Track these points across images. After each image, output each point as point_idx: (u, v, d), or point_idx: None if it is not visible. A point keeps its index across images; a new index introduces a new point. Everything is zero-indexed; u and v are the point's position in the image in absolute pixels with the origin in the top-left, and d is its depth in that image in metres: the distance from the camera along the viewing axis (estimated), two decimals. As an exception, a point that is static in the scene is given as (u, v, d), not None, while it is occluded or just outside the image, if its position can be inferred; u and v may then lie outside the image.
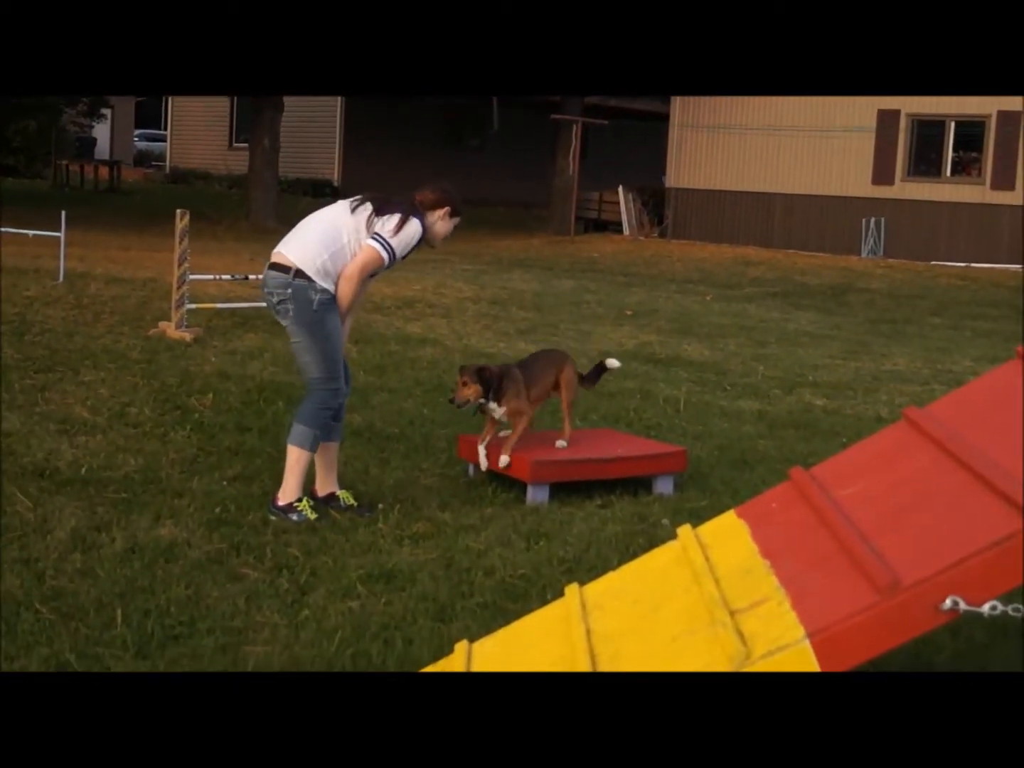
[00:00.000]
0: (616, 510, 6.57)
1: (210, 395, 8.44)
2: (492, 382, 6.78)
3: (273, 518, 6.10)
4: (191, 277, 11.01)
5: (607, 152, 37.54)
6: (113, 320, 11.43)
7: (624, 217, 29.66)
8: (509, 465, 6.73)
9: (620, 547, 5.92)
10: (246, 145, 29.71)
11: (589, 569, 5.42)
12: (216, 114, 41.20)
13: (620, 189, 29.86)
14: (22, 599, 4.88)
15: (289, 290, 6.12)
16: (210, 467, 6.90)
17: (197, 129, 42.60)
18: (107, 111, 41.95)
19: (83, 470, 6.66)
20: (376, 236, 6.22)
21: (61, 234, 14.19)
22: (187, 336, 10.56)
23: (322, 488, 6.46)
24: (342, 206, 6.42)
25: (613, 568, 4.48)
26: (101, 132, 45.46)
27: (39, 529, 5.73)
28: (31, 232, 15.52)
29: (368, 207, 6.34)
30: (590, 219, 30.73)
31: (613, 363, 7.46)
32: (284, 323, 6.24)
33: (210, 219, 23.58)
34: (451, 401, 6.85)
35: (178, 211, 10.87)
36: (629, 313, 15.22)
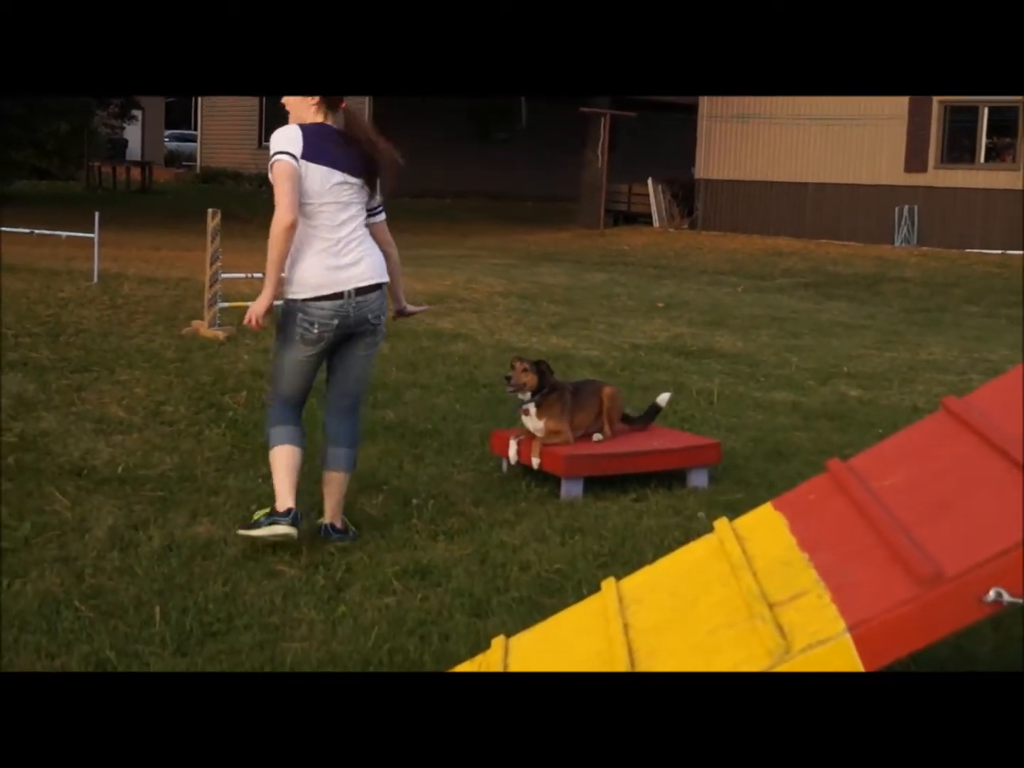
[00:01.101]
0: (651, 504, 6.55)
1: (243, 393, 8.46)
2: (547, 378, 6.84)
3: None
4: (223, 276, 11.03)
5: (636, 144, 37.42)
6: (147, 320, 11.47)
7: (654, 209, 29.60)
8: (540, 465, 6.73)
9: (655, 541, 5.90)
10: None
11: (624, 563, 5.40)
12: (245, 113, 41.33)
13: (649, 181, 29.80)
14: (62, 597, 4.91)
15: (383, 306, 5.87)
16: (245, 464, 6.92)
17: (227, 129, 42.74)
18: (138, 112, 42.06)
19: (120, 469, 6.69)
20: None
21: (95, 235, 14.24)
22: (220, 335, 10.58)
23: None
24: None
25: (648, 562, 4.47)
26: (132, 133, 45.67)
27: (77, 528, 5.76)
28: (64, 234, 15.60)
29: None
30: (620, 212, 30.67)
31: (664, 398, 7.44)
32: (375, 341, 5.90)
33: (241, 218, 23.63)
34: (507, 379, 6.86)
35: (209, 210, 10.89)
36: (660, 305, 15.18)
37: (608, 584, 4.06)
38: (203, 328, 10.76)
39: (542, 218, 31.35)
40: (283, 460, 5.76)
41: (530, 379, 6.81)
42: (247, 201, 29.10)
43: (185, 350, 9.97)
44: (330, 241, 5.65)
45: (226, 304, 11.08)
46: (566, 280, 17.65)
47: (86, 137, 35.86)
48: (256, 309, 5.58)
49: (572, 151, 32.60)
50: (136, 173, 36.22)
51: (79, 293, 13.11)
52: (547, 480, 6.77)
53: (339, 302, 5.61)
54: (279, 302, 5.76)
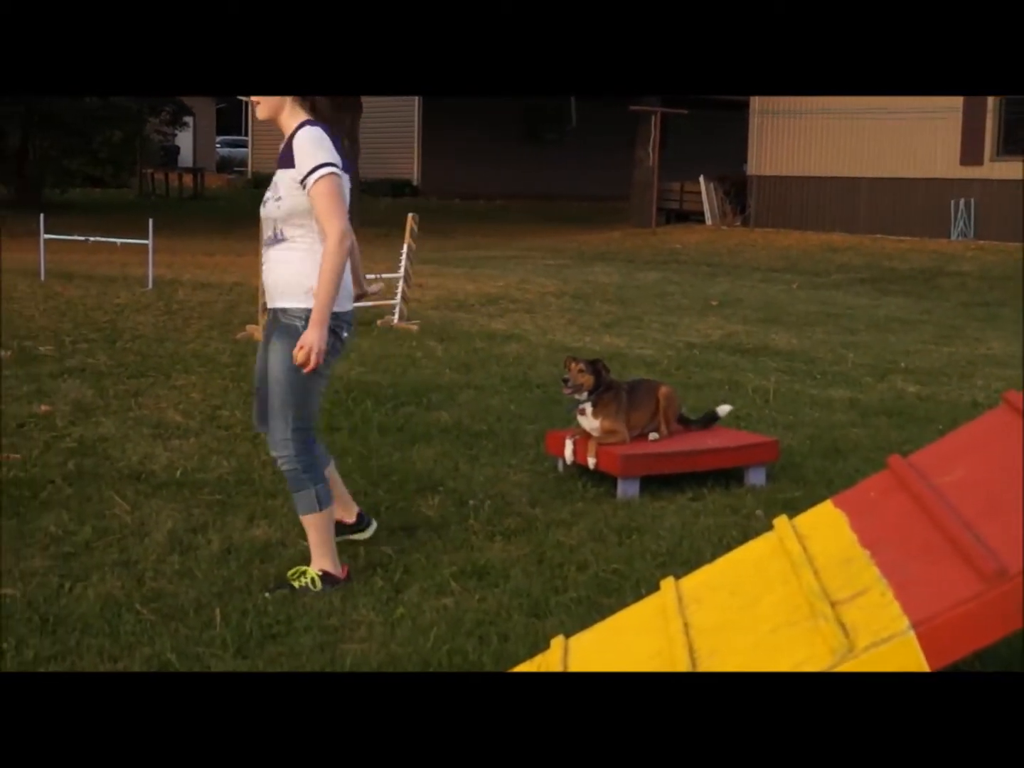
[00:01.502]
0: (708, 502, 6.52)
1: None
2: (603, 377, 6.83)
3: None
4: (277, 279, 11.08)
5: (687, 141, 37.34)
6: (202, 325, 11.55)
7: (706, 207, 29.51)
8: (597, 465, 6.71)
9: (713, 540, 5.87)
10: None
11: (683, 563, 5.38)
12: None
13: (701, 178, 29.71)
14: (123, 601, 4.95)
15: None
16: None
17: (278, 134, 42.82)
18: (189, 119, 42.41)
19: (178, 473, 6.73)
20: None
21: (149, 242, 14.37)
22: (274, 338, 10.62)
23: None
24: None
25: (707, 561, 4.45)
26: (184, 140, 46.07)
27: (137, 532, 5.80)
28: (119, 240, 15.73)
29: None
30: (672, 210, 30.59)
31: (724, 409, 7.41)
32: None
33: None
34: (564, 381, 6.85)
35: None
36: (714, 303, 15.13)
37: (667, 583, 4.05)
38: (257, 332, 10.81)
39: (594, 218, 31.33)
40: (330, 520, 5.31)
41: (586, 379, 6.81)
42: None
43: (240, 354, 10.03)
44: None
45: (280, 308, 11.13)
46: (619, 279, 17.62)
47: (139, 145, 36.23)
48: (318, 346, 4.90)
49: (623, 150, 32.57)
50: (188, 179, 36.54)
51: (135, 299, 13.23)
52: (603, 480, 6.75)
53: (352, 307, 5.35)
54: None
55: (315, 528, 5.22)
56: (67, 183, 32.26)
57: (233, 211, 28.78)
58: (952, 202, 25.42)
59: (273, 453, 5.28)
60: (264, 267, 5.29)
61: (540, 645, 4.34)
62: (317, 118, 5.17)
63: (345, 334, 5.22)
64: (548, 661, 3.92)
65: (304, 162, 5.00)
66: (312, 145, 5.03)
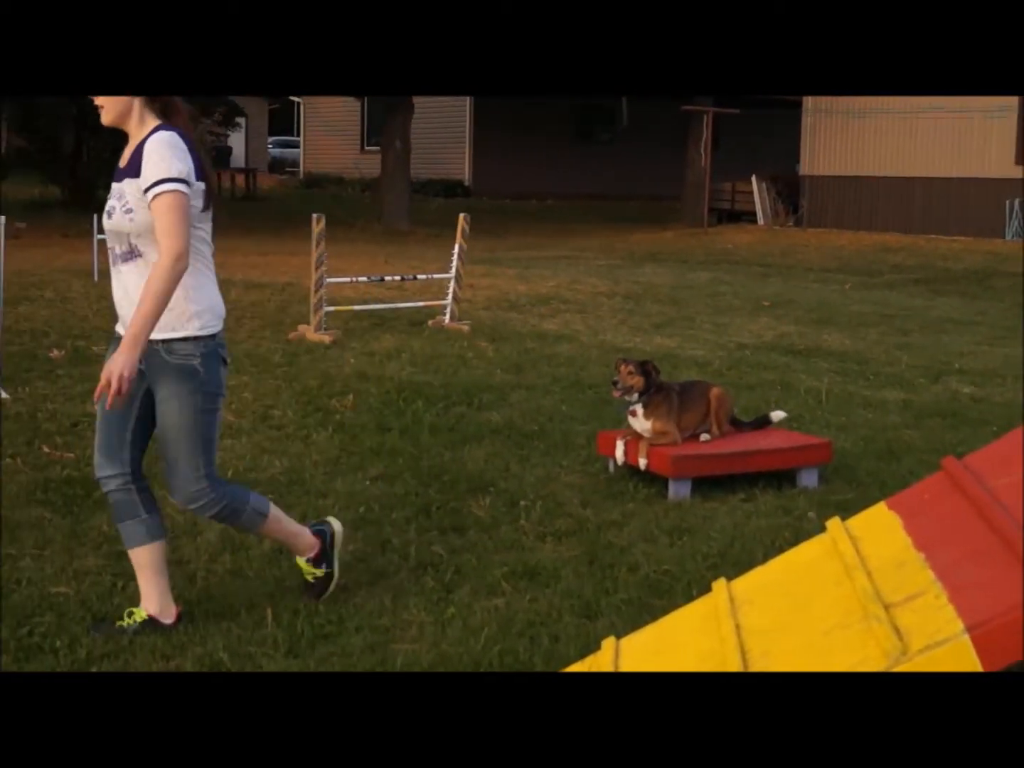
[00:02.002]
0: (760, 504, 6.49)
1: (350, 396, 8.51)
2: (654, 378, 6.82)
3: None
4: (328, 280, 11.14)
5: (739, 141, 37.17)
6: (254, 325, 11.61)
7: (758, 207, 29.38)
8: (648, 466, 6.69)
9: (765, 541, 5.84)
10: (378, 148, 29.99)
11: (734, 564, 5.35)
12: (348, 118, 41.70)
13: (753, 178, 29.59)
14: (175, 600, 4.96)
15: None
16: (353, 467, 6.96)
17: (329, 134, 43.17)
18: (242, 120, 42.63)
19: (230, 472, 6.75)
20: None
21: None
22: (326, 338, 10.68)
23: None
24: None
25: (759, 563, 4.42)
26: (236, 141, 46.30)
27: (190, 531, 5.83)
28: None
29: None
30: (723, 210, 30.48)
31: (778, 415, 7.37)
32: None
33: (344, 222, 23.84)
34: (614, 383, 6.84)
35: (314, 216, 11.00)
36: (766, 304, 15.05)
37: (719, 585, 4.03)
38: (309, 332, 10.86)
39: (645, 218, 31.24)
40: (277, 519, 4.99)
41: (636, 381, 6.79)
42: (350, 205, 29.40)
43: (292, 354, 10.07)
44: (212, 264, 4.77)
45: (332, 308, 11.19)
46: (670, 280, 17.56)
47: (193, 145, 36.36)
48: (124, 371, 4.28)
49: (675, 150, 32.49)
50: (241, 180, 36.70)
51: (188, 299, 13.28)
52: (654, 481, 6.73)
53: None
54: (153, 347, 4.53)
55: (274, 531, 5.01)
56: (119, 184, 32.43)
57: (285, 211, 28.89)
58: (1007, 202, 25.18)
59: (189, 507, 4.79)
60: (115, 284, 4.67)
61: (591, 646, 4.32)
62: (177, 122, 4.61)
63: (226, 359, 4.74)
64: (599, 662, 3.91)
65: (150, 172, 4.45)
66: (161, 154, 4.46)
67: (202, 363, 4.57)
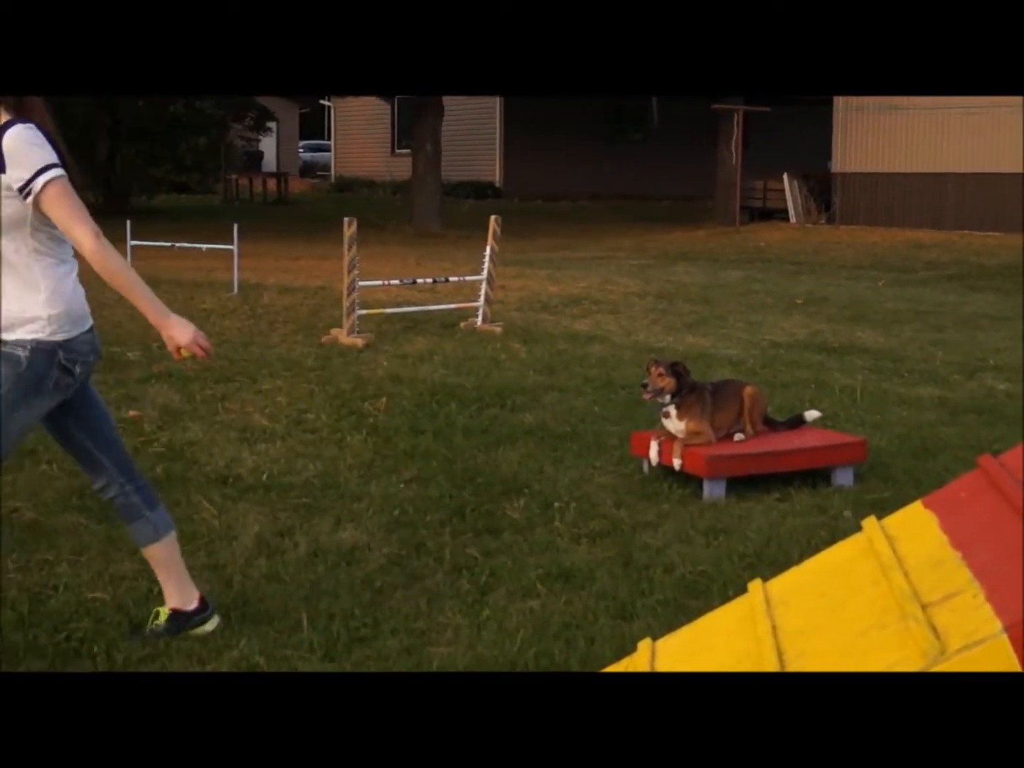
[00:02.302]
0: (795, 503, 6.47)
1: (383, 399, 8.53)
2: (685, 379, 6.81)
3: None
4: (360, 284, 11.16)
5: (770, 139, 37.07)
6: (287, 329, 11.65)
7: (790, 204, 29.29)
8: (682, 467, 6.68)
9: (801, 541, 5.82)
10: (408, 151, 30.05)
11: (770, 564, 5.33)
12: (378, 121, 41.80)
13: (785, 176, 29.49)
14: (212, 604, 4.98)
15: None
16: (387, 470, 6.97)
17: (360, 137, 43.28)
18: (272, 124, 42.79)
19: (264, 476, 6.78)
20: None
21: (234, 247, 14.51)
22: (359, 342, 10.70)
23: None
24: None
25: (795, 563, 4.40)
26: (267, 145, 46.49)
27: (225, 535, 5.85)
28: (204, 246, 15.91)
29: None
30: (755, 208, 30.39)
31: (812, 414, 7.35)
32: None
33: (376, 225, 23.88)
34: (644, 387, 6.83)
35: (345, 219, 11.02)
36: (799, 302, 14.99)
37: (755, 585, 4.01)
38: (342, 336, 10.89)
39: (677, 217, 31.19)
40: None
41: (667, 383, 6.77)
42: (382, 208, 29.46)
43: (325, 358, 10.10)
44: (73, 263, 4.48)
45: (364, 311, 11.21)
46: (703, 279, 17.53)
47: (223, 151, 36.63)
48: (188, 333, 4.54)
49: (706, 148, 32.43)
50: (272, 184, 36.87)
51: (220, 304, 13.37)
52: (689, 481, 6.72)
53: (92, 334, 4.54)
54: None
55: None
56: (153, 190, 32.70)
57: (317, 215, 28.98)
58: (1041, 196, 25.01)
59: None
60: None
61: (627, 648, 4.31)
62: (32, 117, 4.28)
63: (78, 368, 4.44)
64: (635, 664, 3.90)
65: (23, 164, 4.19)
66: (28, 146, 4.21)
67: (29, 365, 4.33)
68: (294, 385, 9.02)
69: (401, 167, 35.80)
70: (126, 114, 30.22)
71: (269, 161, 47.05)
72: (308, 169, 51.50)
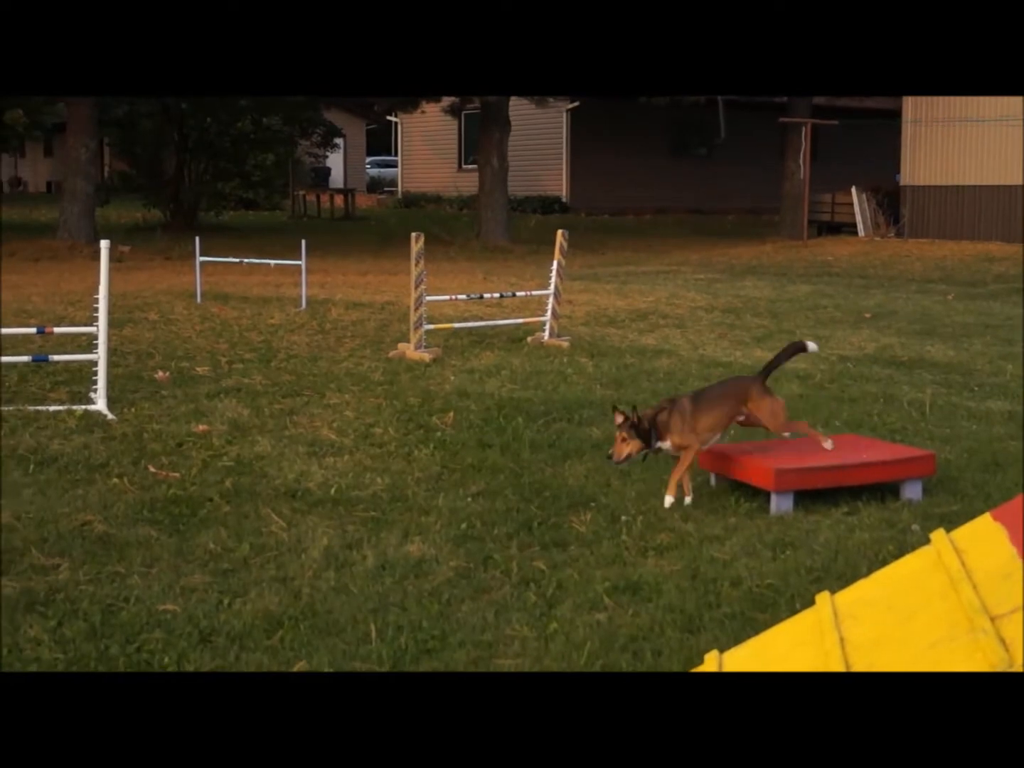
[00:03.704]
0: (863, 517, 6.43)
1: (451, 413, 8.57)
2: (650, 431, 6.65)
3: None
4: (427, 298, 11.21)
5: (838, 152, 36.90)
6: (354, 344, 11.72)
7: (858, 218, 29.11)
8: (673, 503, 6.64)
9: (869, 554, 5.79)
10: (475, 166, 30.16)
11: (838, 577, 5.31)
12: (444, 137, 41.97)
13: (853, 190, 29.32)
14: (281, 616, 5.02)
15: None
16: (454, 484, 6.99)
17: (426, 153, 43.45)
18: (340, 140, 43.10)
19: (332, 490, 6.83)
20: None
21: (302, 262, 14.62)
22: (426, 356, 10.75)
23: None
24: None
25: (862, 576, 4.38)
26: (335, 162, 46.81)
27: (294, 548, 5.89)
28: (273, 262, 16.05)
29: None
30: (823, 222, 30.25)
31: (812, 346, 7.31)
32: None
33: (443, 240, 23.98)
34: (609, 458, 6.77)
35: (413, 234, 11.08)
36: (868, 316, 14.90)
37: (823, 598, 3.99)
38: (410, 350, 10.95)
39: (743, 231, 31.08)
40: None
41: (633, 445, 6.65)
42: (448, 224, 29.56)
43: (392, 372, 10.16)
44: None
45: (431, 326, 11.26)
46: (770, 292, 17.45)
47: (290, 167, 36.94)
48: None
49: (773, 162, 32.30)
50: (339, 200, 37.10)
51: (288, 319, 13.48)
52: (757, 494, 6.69)
53: None
54: None
55: None
56: (221, 206, 33.01)
57: (384, 231, 29.14)
58: (1114, 208, 24.71)
59: None
60: None
61: (694, 660, 4.31)
62: None
63: None
64: (702, 676, 3.90)
65: None
66: None
67: None
68: (362, 399, 9.08)
69: (468, 182, 35.92)
70: (194, 130, 30.57)
71: (336, 177, 47.38)
72: (375, 185, 51.78)
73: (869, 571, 4.70)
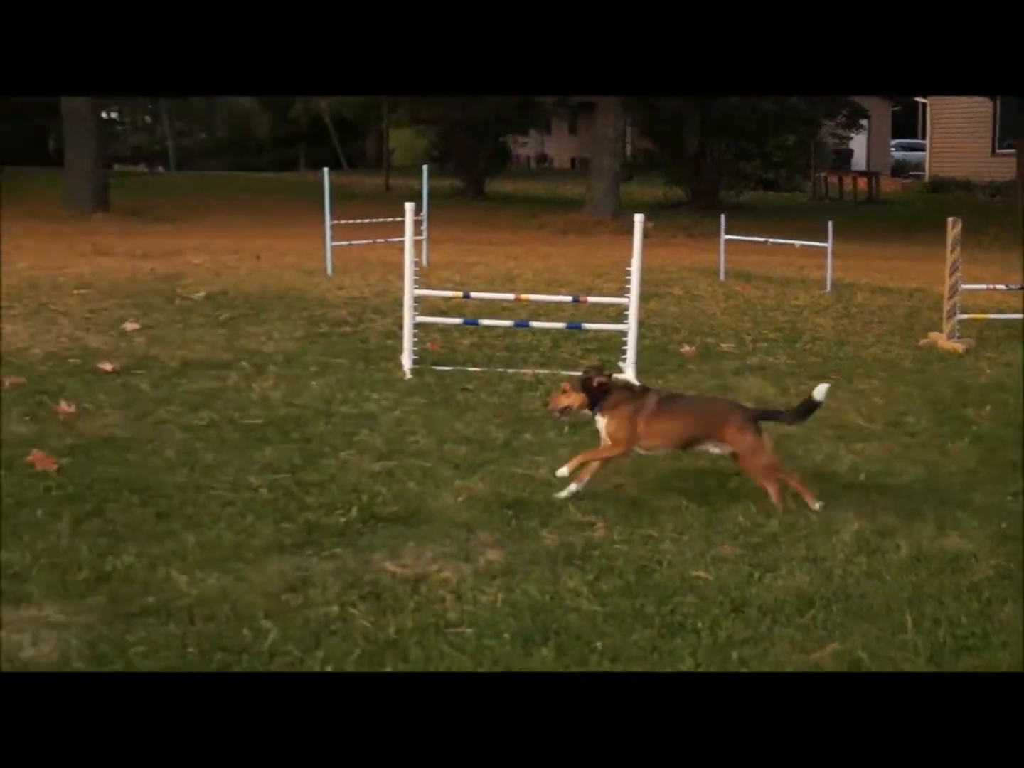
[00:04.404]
0: None
1: (987, 407, 8.26)
2: (598, 394, 6.15)
3: None
4: (962, 287, 10.84)
5: None
6: (882, 329, 11.51)
7: None
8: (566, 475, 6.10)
9: None
10: (1011, 151, 28.87)
11: None
12: (978, 120, 40.40)
13: None
14: (812, 595, 4.99)
15: None
16: (991, 480, 6.73)
17: (957, 136, 41.97)
18: (864, 122, 42.38)
19: (862, 475, 6.73)
20: None
21: (828, 244, 14.49)
22: (959, 347, 10.41)
23: None
24: None
25: None
26: (857, 143, 46.07)
27: (824, 530, 5.84)
28: (798, 243, 15.98)
29: None
30: None
31: (822, 390, 6.16)
32: None
33: (973, 228, 23.14)
34: (545, 406, 6.28)
35: (950, 219, 10.75)
36: None
37: None
38: (941, 340, 10.63)
39: None
40: None
41: (574, 399, 6.18)
42: (978, 211, 28.45)
43: (923, 361, 9.91)
44: None
45: (965, 316, 10.88)
46: None
47: (812, 148, 36.67)
48: None
49: None
50: (862, 183, 36.51)
51: (813, 301, 13.40)
52: None
53: None
54: None
55: None
56: (741, 186, 33.22)
57: (910, 216, 28.46)
58: None
59: None
60: None
61: None
62: None
63: None
64: None
65: None
66: None
67: None
68: (891, 387, 8.90)
69: (1002, 167, 34.41)
70: (717, 110, 30.83)
71: (859, 159, 46.58)
72: (899, 168, 50.50)
73: None
